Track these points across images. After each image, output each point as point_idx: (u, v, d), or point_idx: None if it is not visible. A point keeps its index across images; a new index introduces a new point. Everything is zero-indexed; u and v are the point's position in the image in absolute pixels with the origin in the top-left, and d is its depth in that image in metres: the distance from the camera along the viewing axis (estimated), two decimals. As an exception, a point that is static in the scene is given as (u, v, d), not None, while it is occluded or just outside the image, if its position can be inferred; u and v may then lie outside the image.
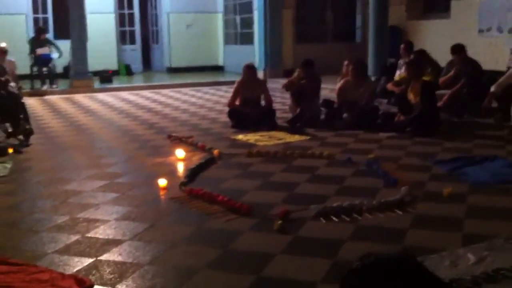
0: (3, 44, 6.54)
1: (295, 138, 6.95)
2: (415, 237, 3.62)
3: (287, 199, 4.50)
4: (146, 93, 12.17)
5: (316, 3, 14.98)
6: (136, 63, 16.32)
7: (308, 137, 6.97)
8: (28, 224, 4.10)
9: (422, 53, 8.97)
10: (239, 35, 15.94)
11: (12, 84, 7.44)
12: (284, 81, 8.79)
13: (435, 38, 11.70)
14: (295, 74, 8.13)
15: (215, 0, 16.34)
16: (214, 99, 10.96)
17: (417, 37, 12.07)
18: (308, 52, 11.19)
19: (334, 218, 3.97)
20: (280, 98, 9.92)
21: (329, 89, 9.72)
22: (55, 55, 12.71)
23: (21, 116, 6.86)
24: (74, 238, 3.77)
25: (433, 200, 4.38)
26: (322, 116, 7.99)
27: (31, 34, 13.75)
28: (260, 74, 10.92)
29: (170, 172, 5.35)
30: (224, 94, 11.19)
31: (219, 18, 16.46)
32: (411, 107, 7.07)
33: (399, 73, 9.20)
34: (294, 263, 3.30)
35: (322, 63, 9.95)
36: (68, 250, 3.57)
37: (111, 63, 14.97)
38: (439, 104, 7.64)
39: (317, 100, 8.13)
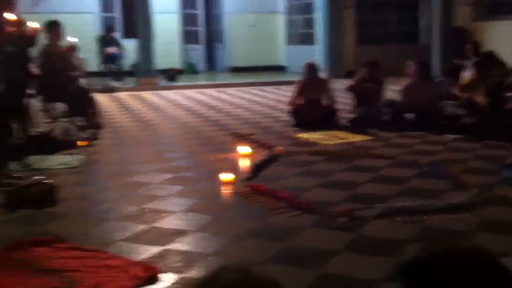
0: (75, 39, 6.79)
1: (358, 138, 6.90)
2: (482, 240, 3.54)
3: (348, 198, 4.49)
4: (210, 91, 12.37)
5: (378, 4, 14.80)
6: (200, 62, 16.60)
7: (371, 138, 6.92)
8: (98, 213, 4.27)
9: (490, 54, 8.71)
10: (301, 35, 15.95)
11: (82, 80, 7.74)
12: (346, 82, 8.75)
13: (502, 39, 11.32)
14: (358, 75, 8.08)
15: (276, 0, 16.41)
16: (276, 98, 11.02)
17: (483, 38, 11.72)
18: (369, 54, 11.06)
19: (398, 218, 3.93)
20: (342, 98, 9.86)
21: (392, 91, 9.59)
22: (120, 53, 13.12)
23: (91, 110, 7.12)
24: (142, 227, 3.90)
25: (501, 204, 4.27)
26: (386, 117, 7.89)
27: (100, 33, 14.22)
28: (321, 75, 10.87)
29: (233, 168, 5.44)
30: (287, 94, 11.21)
31: (280, 18, 16.51)
32: (478, 109, 6.89)
33: (465, 75, 8.96)
34: (357, 261, 3.30)
35: (384, 64, 9.82)
36: (136, 239, 3.71)
37: (176, 62, 15.29)
38: (509, 106, 7.41)
39: (380, 100, 8.05)
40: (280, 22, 16.50)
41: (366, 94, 7.80)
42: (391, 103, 8.11)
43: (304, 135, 7.08)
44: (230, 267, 0.97)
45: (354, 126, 7.51)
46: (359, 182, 4.91)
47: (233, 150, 6.26)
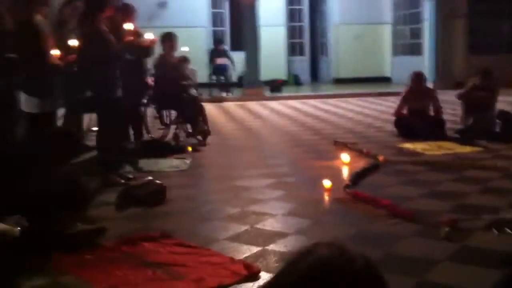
0: (186, 48, 7.13)
1: (466, 149, 6.65)
2: None
3: (454, 208, 4.35)
4: (313, 102, 12.45)
5: (491, 13, 14.16)
6: (304, 74, 16.73)
7: (480, 149, 6.64)
8: (203, 213, 4.46)
9: None
10: (408, 46, 15.61)
11: (193, 90, 8.11)
12: (455, 92, 8.46)
13: None
14: (470, 83, 7.79)
15: (384, 11, 16.19)
16: (380, 109, 10.87)
17: None
18: (482, 64, 10.60)
19: (508, 231, 3.76)
20: (450, 109, 9.54)
21: (506, 102, 9.15)
22: (230, 65, 13.56)
23: (200, 118, 7.44)
24: (243, 228, 4.03)
25: None
26: (497, 129, 7.54)
27: (210, 46, 14.81)
28: (429, 86, 10.59)
29: (334, 175, 5.45)
30: (391, 105, 11.03)
31: (387, 29, 16.27)
32: None
33: None
34: (459, 271, 3.21)
35: (497, 75, 9.38)
36: (238, 238, 3.83)
37: (281, 74, 15.53)
38: None
39: (492, 111, 7.71)
40: (386, 33, 16.26)
41: (477, 104, 7.50)
42: (504, 114, 7.73)
43: (409, 145, 6.94)
44: (324, 243, 1.02)
45: (462, 137, 7.24)
46: (465, 193, 4.75)
47: (335, 158, 6.29)
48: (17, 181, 3.33)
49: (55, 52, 4.73)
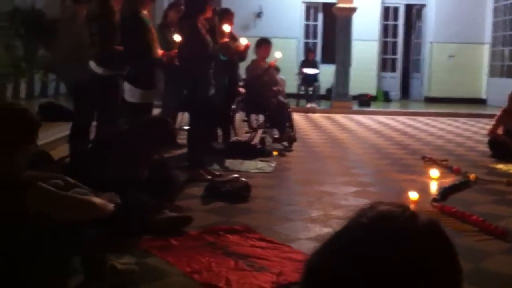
0: (279, 55, 7.23)
1: None
2: None
3: (548, 230, 4.13)
4: (402, 118, 12.21)
5: None
6: (394, 90, 16.45)
7: None
8: (284, 213, 4.51)
9: None
10: (506, 67, 14.98)
11: (282, 97, 8.18)
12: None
13: None
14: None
15: (482, 31, 15.63)
16: (473, 130, 10.49)
17: None
18: None
19: None
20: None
21: None
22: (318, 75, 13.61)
23: (288, 124, 7.52)
24: (325, 230, 4.04)
25: None
26: None
27: (301, 57, 14.91)
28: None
29: (421, 189, 5.33)
30: (484, 126, 10.62)
31: (485, 49, 15.69)
32: None
33: None
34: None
35: None
36: (318, 239, 3.83)
37: (370, 88, 15.36)
38: None
39: None
40: (483, 53, 15.69)
41: None
42: None
43: (502, 166, 6.66)
44: (387, 201, 1.00)
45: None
46: None
47: (422, 172, 6.15)
48: (116, 162, 3.53)
49: (159, 48, 4.97)
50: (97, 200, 2.83)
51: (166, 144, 4.28)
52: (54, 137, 6.31)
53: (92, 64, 4.78)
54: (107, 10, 4.64)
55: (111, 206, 2.94)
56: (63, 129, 6.19)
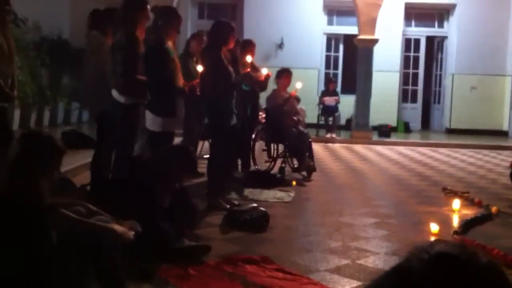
0: (300, 85, 7.29)
1: None
2: None
3: None
4: (422, 149, 12.14)
5: None
6: (415, 121, 16.37)
7: None
8: (304, 244, 4.50)
9: None
10: (529, 99, 14.87)
11: (301, 127, 8.22)
12: None
13: None
14: None
15: (504, 62, 15.56)
16: (494, 162, 10.38)
17: None
18: None
19: None
20: None
21: None
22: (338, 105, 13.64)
23: (307, 154, 7.53)
24: (345, 261, 4.01)
25: None
26: None
27: (321, 87, 14.98)
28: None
29: (442, 221, 5.28)
30: (506, 159, 10.52)
31: (507, 81, 15.59)
32: None
33: None
34: None
35: None
36: (338, 271, 3.82)
37: (391, 119, 15.31)
38: None
39: None
40: (505, 85, 15.59)
41: None
42: None
43: (525, 199, 6.57)
44: (442, 240, 1.02)
45: None
46: None
47: (443, 204, 6.10)
48: (137, 190, 3.57)
49: (181, 78, 5.06)
50: (118, 227, 2.88)
51: (187, 172, 4.32)
52: (76, 164, 6.41)
53: (115, 93, 4.88)
54: (132, 40, 4.75)
55: (131, 234, 2.98)
56: (85, 157, 6.29)
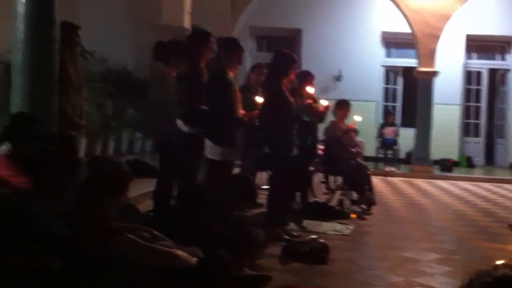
0: (359, 118, 7.25)
1: None
2: None
3: None
4: (486, 185, 11.75)
5: None
6: (478, 156, 15.89)
7: None
8: (364, 277, 4.41)
9: None
10: None
11: (360, 160, 8.12)
12: None
13: None
14: None
15: None
16: None
17: None
18: None
19: None
20: None
21: None
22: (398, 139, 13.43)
23: (367, 187, 7.42)
24: (408, 297, 3.90)
25: None
26: None
27: (380, 120, 14.82)
28: None
29: (509, 259, 5.05)
30: None
31: None
32: None
33: None
34: None
35: None
36: (401, 306, 3.72)
37: (452, 153, 14.93)
38: None
39: None
40: None
41: None
42: None
43: None
44: (506, 264, 1.00)
45: None
46: None
47: (509, 242, 5.86)
48: (198, 218, 3.62)
49: (241, 109, 5.13)
50: (180, 253, 2.91)
51: (246, 201, 4.33)
52: (139, 192, 6.53)
53: (178, 122, 4.98)
54: (195, 71, 4.87)
55: (193, 260, 3.00)
56: (148, 185, 6.41)
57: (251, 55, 14.75)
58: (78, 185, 2.83)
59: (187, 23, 9.55)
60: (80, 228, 2.62)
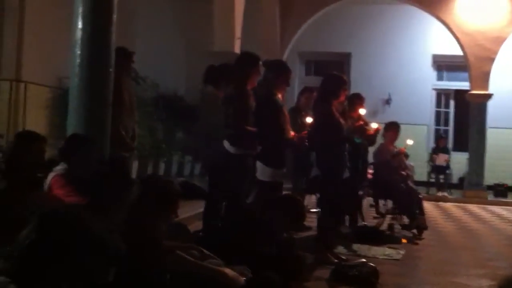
0: (411, 142, 7.18)
1: None
2: None
3: None
4: (544, 211, 11.32)
5: None
6: (536, 181, 15.36)
7: None
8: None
9: None
10: None
11: (410, 183, 7.97)
12: None
13: None
14: None
15: None
16: None
17: None
18: None
19: None
20: None
21: None
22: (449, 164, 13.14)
23: (417, 211, 7.27)
24: (460, 323, 3.79)
25: None
26: None
27: (431, 144, 14.54)
28: None
29: None
30: None
31: None
32: None
33: None
34: None
35: None
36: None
37: (508, 178, 14.46)
38: None
39: None
40: None
41: None
42: None
43: None
44: None
45: None
46: None
47: None
48: (246, 238, 3.64)
49: (290, 130, 5.17)
50: (229, 271, 2.94)
51: (295, 222, 4.33)
52: (188, 214, 6.62)
53: (226, 143, 5.04)
54: (243, 93, 4.94)
55: (242, 279, 3.02)
56: (197, 207, 6.50)
57: (299, 79, 14.82)
58: (130, 203, 2.90)
59: (237, 48, 9.70)
60: (132, 244, 2.68)
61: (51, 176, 3.92)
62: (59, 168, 4.00)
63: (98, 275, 1.55)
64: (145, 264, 2.61)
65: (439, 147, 13.54)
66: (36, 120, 7.00)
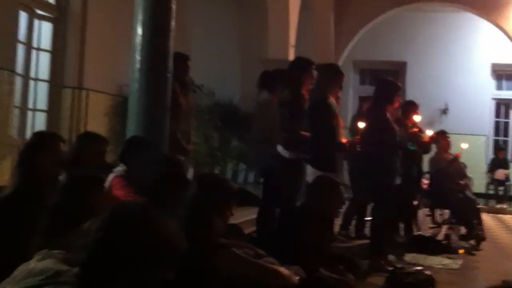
0: (465, 145, 7.00)
1: None
2: None
3: None
4: None
5: None
6: None
7: None
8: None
9: None
10: None
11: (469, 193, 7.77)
12: None
13: None
14: None
15: None
16: None
17: None
18: None
19: None
20: None
21: None
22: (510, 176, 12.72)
23: (476, 221, 7.09)
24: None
25: None
26: None
27: (490, 155, 14.13)
28: None
29: None
30: None
31: None
32: None
33: None
34: None
35: None
36: None
37: None
38: None
39: None
40: None
41: None
42: None
43: None
44: None
45: None
46: None
47: None
48: (299, 240, 3.66)
49: (342, 134, 5.16)
50: (284, 270, 2.96)
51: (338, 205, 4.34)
52: (241, 219, 6.66)
53: (279, 148, 5.07)
54: (297, 97, 4.97)
55: (295, 278, 3.04)
56: (250, 213, 6.53)
57: (353, 88, 14.71)
58: (187, 201, 2.97)
59: (291, 56, 9.75)
60: (188, 241, 2.74)
61: (111, 177, 4.05)
62: (118, 169, 4.12)
63: (162, 272, 1.49)
64: (201, 260, 2.66)
65: (499, 158, 13.15)
66: (97, 127, 7.20)
